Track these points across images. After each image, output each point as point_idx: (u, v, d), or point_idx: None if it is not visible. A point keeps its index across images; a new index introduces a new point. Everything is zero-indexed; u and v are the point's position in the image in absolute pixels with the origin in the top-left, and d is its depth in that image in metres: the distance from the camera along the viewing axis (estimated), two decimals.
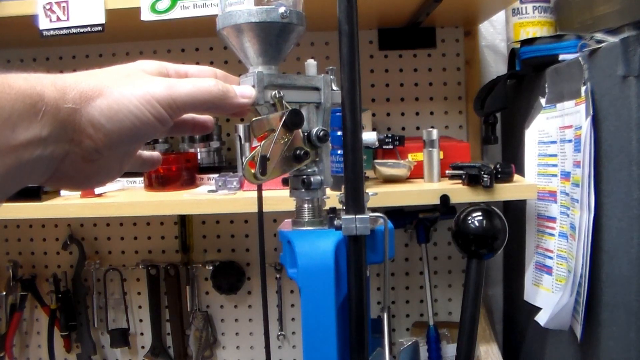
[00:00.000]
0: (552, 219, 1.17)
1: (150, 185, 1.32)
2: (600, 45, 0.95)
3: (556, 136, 1.15)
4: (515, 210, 1.35)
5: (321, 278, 0.58)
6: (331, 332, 0.58)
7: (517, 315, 1.51)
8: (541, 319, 1.12)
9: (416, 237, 1.53)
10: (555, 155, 1.16)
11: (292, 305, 1.64)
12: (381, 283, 1.52)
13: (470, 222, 0.76)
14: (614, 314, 0.96)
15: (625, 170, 0.90)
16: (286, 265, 0.63)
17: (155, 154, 0.65)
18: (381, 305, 0.68)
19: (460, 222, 0.77)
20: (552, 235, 1.17)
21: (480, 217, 0.76)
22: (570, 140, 1.07)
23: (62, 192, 1.30)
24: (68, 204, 1.23)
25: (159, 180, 1.31)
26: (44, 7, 1.18)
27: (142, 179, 1.36)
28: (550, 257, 1.17)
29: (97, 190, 1.28)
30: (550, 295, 1.16)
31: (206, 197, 1.21)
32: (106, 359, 1.70)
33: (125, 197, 1.27)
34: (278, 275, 1.60)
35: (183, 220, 1.61)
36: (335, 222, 0.62)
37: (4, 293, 1.63)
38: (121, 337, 1.64)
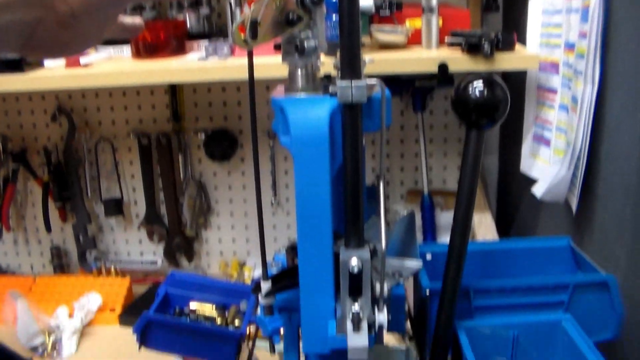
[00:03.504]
0: (553, 91, 1.14)
1: (138, 54, 1.28)
2: None
3: (562, 5, 1.10)
4: (516, 81, 1.31)
5: (315, 147, 0.56)
6: (325, 201, 0.57)
7: (512, 186, 1.52)
8: (537, 190, 1.13)
9: (412, 105, 1.50)
10: (560, 25, 1.11)
11: (286, 173, 1.64)
12: (376, 150, 1.52)
13: (471, 91, 0.72)
14: (611, 189, 0.96)
15: (635, 42, 0.86)
16: (279, 133, 0.61)
17: (137, 19, 0.60)
18: (376, 172, 0.66)
19: (460, 91, 0.73)
20: (552, 107, 1.15)
21: (482, 86, 0.72)
22: (577, 10, 1.02)
23: (46, 63, 1.25)
24: (52, 75, 1.19)
25: (147, 48, 1.27)
26: None
27: (129, 47, 1.31)
28: (549, 129, 1.16)
29: (83, 60, 1.23)
30: (547, 167, 1.16)
31: (196, 65, 1.17)
32: (102, 227, 1.72)
33: (112, 66, 1.23)
34: (271, 143, 1.59)
35: (173, 89, 1.57)
36: (330, 89, 0.59)
37: None
38: (115, 207, 1.66)
